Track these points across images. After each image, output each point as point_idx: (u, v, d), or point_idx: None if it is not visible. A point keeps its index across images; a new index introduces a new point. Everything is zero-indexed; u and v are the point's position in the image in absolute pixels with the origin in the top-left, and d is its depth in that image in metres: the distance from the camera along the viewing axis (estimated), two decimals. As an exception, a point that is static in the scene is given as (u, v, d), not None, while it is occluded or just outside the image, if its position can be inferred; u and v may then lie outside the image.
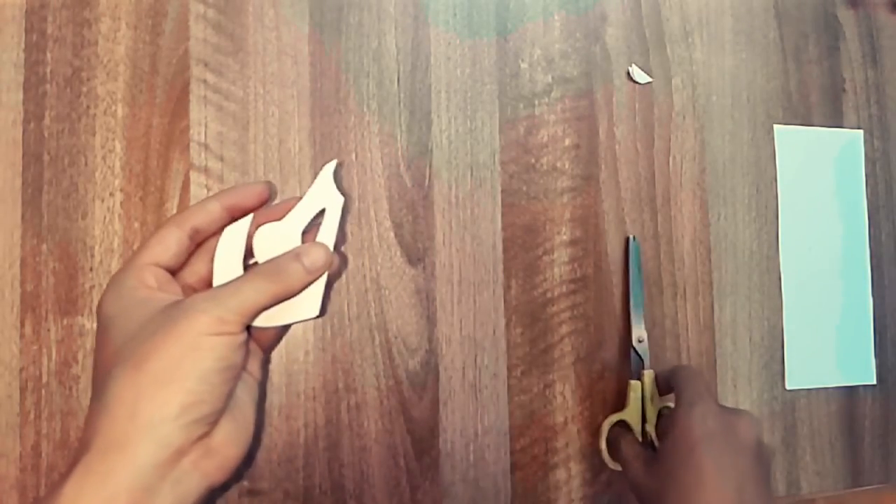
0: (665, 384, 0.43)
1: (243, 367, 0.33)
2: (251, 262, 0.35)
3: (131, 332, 0.30)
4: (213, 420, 0.30)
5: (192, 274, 0.35)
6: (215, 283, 0.33)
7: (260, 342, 0.36)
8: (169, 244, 0.33)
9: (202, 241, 0.35)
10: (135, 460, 0.27)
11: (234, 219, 0.35)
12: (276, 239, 0.34)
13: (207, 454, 0.30)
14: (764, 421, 0.48)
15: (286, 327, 0.37)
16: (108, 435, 0.27)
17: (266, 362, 0.38)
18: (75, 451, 0.29)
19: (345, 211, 0.36)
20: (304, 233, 0.35)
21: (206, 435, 0.29)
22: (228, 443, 0.31)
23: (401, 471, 0.41)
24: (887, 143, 0.53)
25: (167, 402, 0.28)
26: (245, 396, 0.33)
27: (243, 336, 0.31)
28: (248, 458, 0.38)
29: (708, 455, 0.34)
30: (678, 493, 0.34)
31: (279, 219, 0.34)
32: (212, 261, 0.34)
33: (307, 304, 0.33)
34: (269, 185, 0.35)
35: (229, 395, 0.31)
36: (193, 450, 0.29)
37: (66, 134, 0.39)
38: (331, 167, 0.35)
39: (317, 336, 0.41)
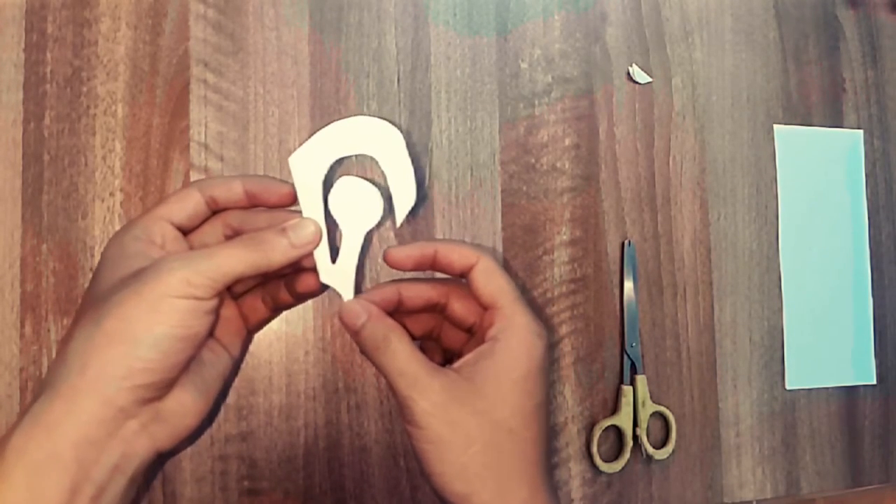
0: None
1: (209, 337, 0.32)
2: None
3: (112, 282, 0.29)
4: (165, 386, 0.29)
5: (200, 242, 0.34)
6: (304, 211, 0.33)
7: (247, 320, 0.35)
8: (186, 204, 0.33)
9: (218, 211, 0.34)
10: (79, 414, 0.27)
11: (252, 206, 0.34)
12: (354, 193, 0.33)
13: (157, 419, 0.29)
14: (764, 421, 0.48)
15: (277, 310, 0.36)
16: (58, 387, 0.27)
17: (248, 341, 0.37)
18: (35, 395, 0.29)
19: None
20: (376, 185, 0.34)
21: (156, 399, 0.29)
22: (181, 412, 0.30)
23: (401, 471, 0.41)
24: (887, 143, 0.53)
25: (114, 363, 0.27)
26: (214, 370, 0.32)
27: (211, 304, 0.29)
28: (200, 431, 0.37)
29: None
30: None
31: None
32: (223, 232, 0.34)
33: (344, 281, 0.33)
34: (294, 190, 0.34)
35: (186, 364, 0.30)
36: (142, 412, 0.29)
37: (66, 134, 0.39)
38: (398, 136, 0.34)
39: (317, 336, 0.41)
